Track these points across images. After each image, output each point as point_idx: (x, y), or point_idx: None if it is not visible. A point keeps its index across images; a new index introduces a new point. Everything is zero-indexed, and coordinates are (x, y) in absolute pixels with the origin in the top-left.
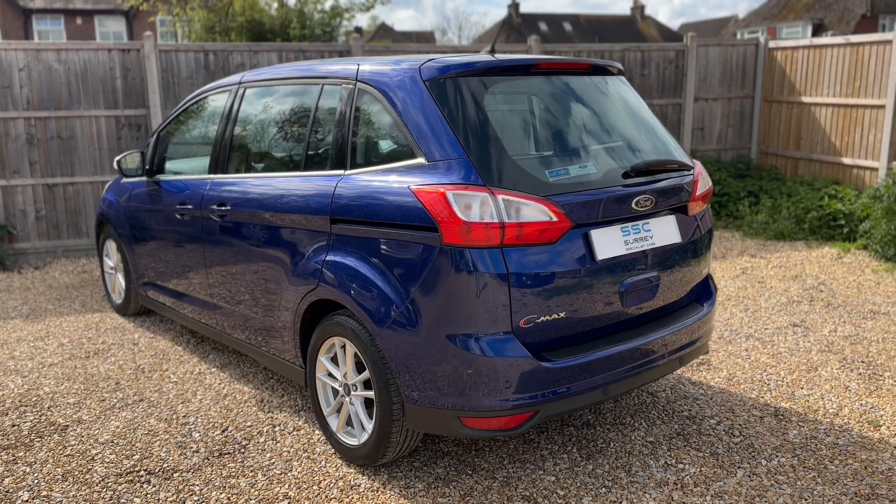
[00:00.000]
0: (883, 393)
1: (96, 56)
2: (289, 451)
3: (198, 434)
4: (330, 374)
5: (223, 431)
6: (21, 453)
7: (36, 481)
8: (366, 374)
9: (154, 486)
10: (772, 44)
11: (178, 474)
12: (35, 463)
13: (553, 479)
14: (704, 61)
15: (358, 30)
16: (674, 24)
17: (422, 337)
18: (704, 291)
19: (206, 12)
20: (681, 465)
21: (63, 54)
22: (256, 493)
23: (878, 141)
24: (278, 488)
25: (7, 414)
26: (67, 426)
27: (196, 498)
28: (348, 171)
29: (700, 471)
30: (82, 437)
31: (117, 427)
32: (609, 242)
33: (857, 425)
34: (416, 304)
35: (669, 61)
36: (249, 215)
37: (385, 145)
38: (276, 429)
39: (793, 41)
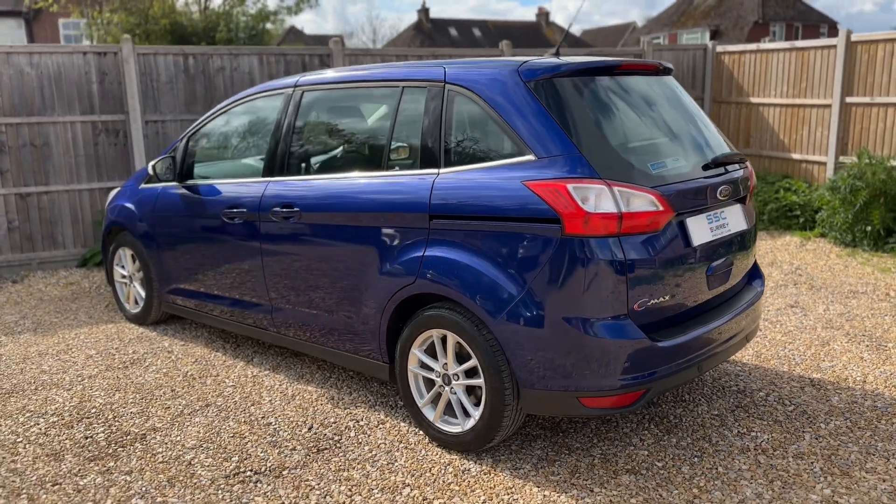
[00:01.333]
0: (894, 361)
1: (71, 59)
2: (384, 444)
3: (286, 433)
4: (423, 366)
5: (310, 429)
6: (112, 463)
7: (144, 488)
8: (470, 364)
9: (269, 485)
10: (719, 48)
11: (287, 472)
12: (132, 471)
13: (646, 453)
14: None
15: (290, 32)
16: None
17: (542, 324)
18: (755, 274)
19: (126, 15)
20: (753, 433)
21: (35, 58)
22: (374, 482)
23: (824, 138)
24: (393, 477)
25: (73, 426)
26: (144, 434)
27: (318, 492)
28: (443, 170)
29: (772, 436)
30: (166, 443)
31: (198, 432)
32: (700, 229)
33: (885, 390)
34: (536, 292)
35: None
36: (324, 216)
37: (483, 144)
38: (361, 424)
39: (740, 46)
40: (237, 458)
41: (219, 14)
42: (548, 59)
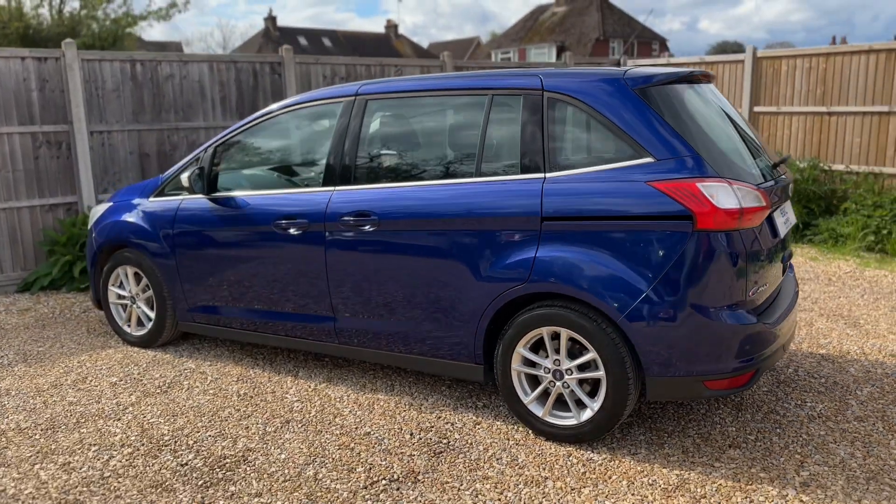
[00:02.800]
0: (874, 334)
1: (7, 65)
2: (495, 442)
3: (391, 441)
4: (527, 363)
5: (411, 435)
6: (232, 487)
7: None
8: (587, 358)
9: (413, 491)
10: (630, 62)
11: (421, 476)
12: (261, 493)
13: (734, 429)
14: None
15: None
16: (420, 43)
17: (673, 314)
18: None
19: None
20: (808, 404)
21: None
22: (513, 478)
23: None
24: (527, 472)
25: (157, 455)
26: (243, 456)
27: (467, 492)
28: (550, 174)
29: (825, 405)
30: (274, 462)
31: (300, 448)
32: (780, 223)
33: (886, 359)
34: (666, 285)
35: None
36: (410, 223)
37: (592, 149)
38: (458, 426)
39: (650, 60)
40: (361, 468)
41: (75, 18)
42: (642, 69)
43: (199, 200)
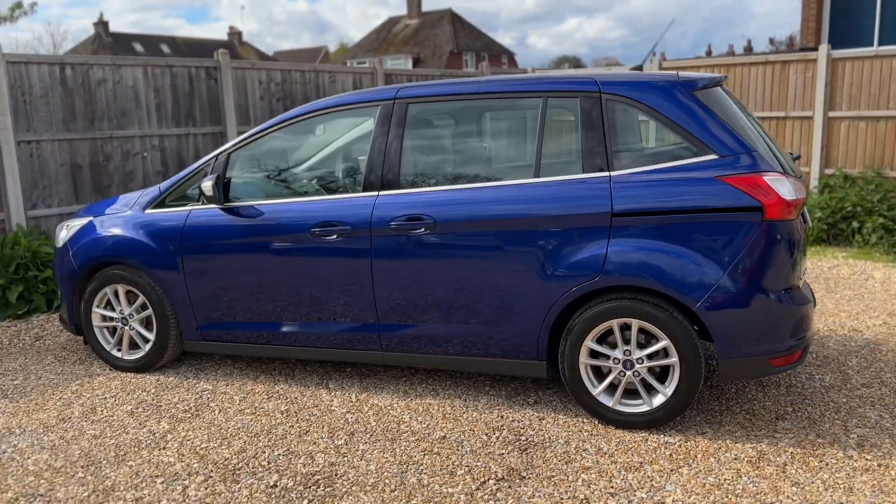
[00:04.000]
0: (876, 315)
1: None
2: (572, 434)
3: (472, 443)
4: (594, 356)
5: (487, 436)
6: (344, 503)
7: None
8: (658, 346)
9: (527, 487)
10: (539, 73)
11: (525, 472)
12: None
13: (770, 403)
14: None
15: None
16: (266, 52)
17: (746, 299)
18: None
19: None
20: (816, 377)
21: None
22: (610, 467)
23: None
24: (621, 458)
25: (238, 479)
26: (331, 471)
27: (579, 482)
28: (615, 172)
29: (830, 377)
30: (367, 473)
31: (386, 458)
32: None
33: (850, 333)
34: (738, 272)
35: None
36: (469, 225)
37: (659, 146)
38: (525, 423)
39: (554, 71)
40: (461, 471)
41: None
42: (689, 73)
43: (212, 211)
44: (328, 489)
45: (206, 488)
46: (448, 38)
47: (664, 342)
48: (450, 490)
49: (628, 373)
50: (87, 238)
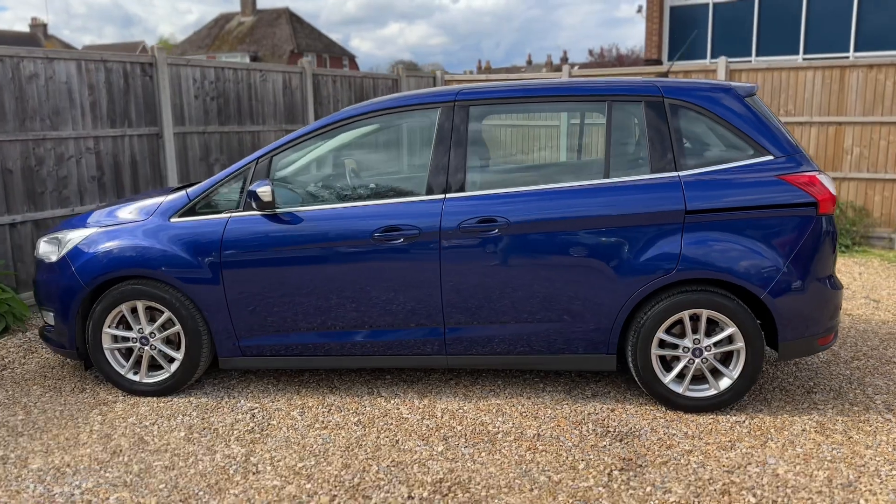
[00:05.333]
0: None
1: None
2: (654, 422)
3: (569, 438)
4: (663, 346)
5: (577, 430)
6: None
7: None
8: (726, 333)
9: (652, 473)
10: (447, 76)
11: (638, 460)
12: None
13: (792, 379)
14: (410, 89)
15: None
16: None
17: (803, 286)
18: None
19: None
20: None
21: None
22: (708, 447)
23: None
24: (709, 439)
25: (371, 496)
26: (454, 477)
27: (691, 465)
28: (683, 172)
29: (824, 355)
30: (493, 475)
31: (495, 458)
32: None
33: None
34: (797, 262)
35: (388, 89)
36: (544, 226)
37: (715, 148)
38: (603, 415)
39: (468, 76)
40: (581, 465)
41: None
42: (734, 82)
43: (255, 217)
44: (467, 494)
45: None
46: (287, 38)
47: (731, 329)
48: (584, 484)
49: (697, 360)
50: (97, 251)
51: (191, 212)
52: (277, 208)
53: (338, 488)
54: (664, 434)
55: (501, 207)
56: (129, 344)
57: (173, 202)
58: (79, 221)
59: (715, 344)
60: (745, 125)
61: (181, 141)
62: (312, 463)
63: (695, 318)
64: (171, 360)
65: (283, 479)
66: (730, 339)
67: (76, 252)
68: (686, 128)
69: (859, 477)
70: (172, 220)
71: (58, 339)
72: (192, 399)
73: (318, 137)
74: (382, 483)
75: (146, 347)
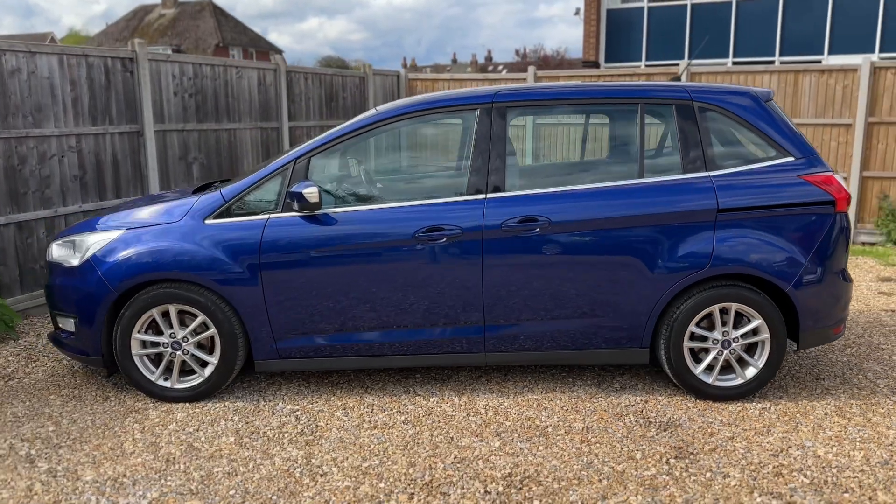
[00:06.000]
0: None
1: None
2: (689, 411)
3: (616, 430)
4: (694, 338)
5: (622, 422)
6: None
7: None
8: (752, 325)
9: (707, 460)
10: (411, 75)
11: (689, 448)
12: (605, 496)
13: (798, 367)
14: (376, 87)
15: None
16: None
17: (822, 279)
18: None
19: None
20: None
21: None
22: (748, 432)
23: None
24: (746, 426)
25: (448, 492)
26: (521, 470)
27: (738, 450)
28: (713, 173)
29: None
30: (562, 468)
31: (556, 452)
32: None
33: None
34: (817, 257)
35: (355, 87)
36: (583, 224)
37: (741, 149)
38: (639, 406)
39: (433, 74)
40: (638, 455)
41: None
42: (755, 87)
43: (295, 219)
44: (541, 487)
45: (410, 501)
46: (212, 31)
47: (757, 321)
48: (647, 472)
49: (725, 351)
50: (127, 254)
51: (226, 213)
52: (321, 210)
53: (412, 486)
54: (703, 423)
55: (542, 207)
56: (160, 349)
57: (207, 203)
58: (97, 222)
59: (742, 336)
60: (768, 127)
61: (161, 139)
62: (377, 462)
63: (724, 312)
64: (204, 364)
65: (354, 479)
66: (754, 331)
67: (102, 255)
68: (714, 130)
69: (892, 455)
70: (208, 221)
71: (78, 345)
72: (227, 404)
73: (355, 138)
74: (454, 479)
75: (178, 352)
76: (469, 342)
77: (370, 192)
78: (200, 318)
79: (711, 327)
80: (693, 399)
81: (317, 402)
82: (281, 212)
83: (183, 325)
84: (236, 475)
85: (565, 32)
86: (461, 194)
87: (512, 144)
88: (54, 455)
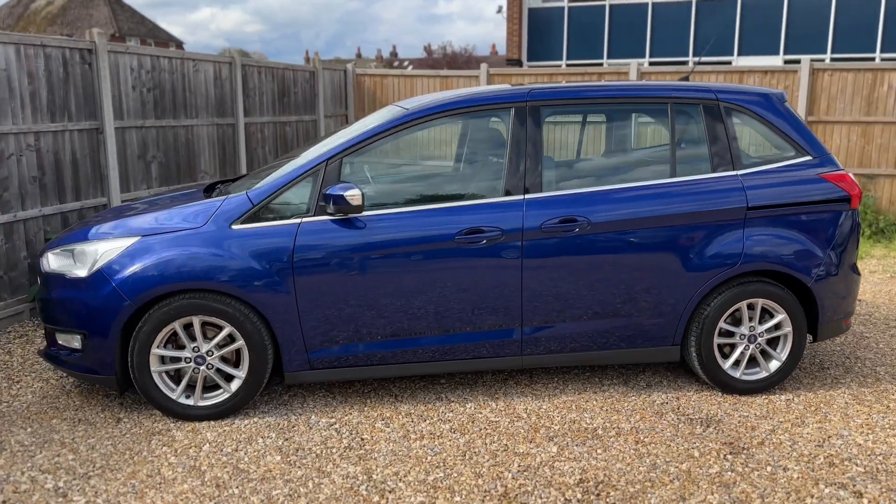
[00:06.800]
0: None
1: None
2: (723, 407)
3: (665, 429)
4: (723, 334)
5: (663, 420)
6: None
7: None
8: (776, 320)
9: (761, 453)
10: (359, 70)
11: (738, 444)
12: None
13: (820, 359)
14: (325, 82)
15: None
16: None
17: (838, 272)
18: None
19: None
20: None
21: None
22: (784, 424)
23: None
24: (778, 418)
25: (528, 500)
26: (591, 477)
27: (782, 444)
28: (740, 172)
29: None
30: (629, 470)
31: (623, 457)
32: None
33: None
34: (835, 251)
35: (306, 81)
36: (621, 224)
37: (764, 149)
38: (673, 404)
39: (381, 70)
40: (696, 453)
41: None
42: (771, 89)
43: (329, 222)
44: (617, 492)
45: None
46: (107, 21)
47: (781, 316)
48: (711, 471)
49: (751, 346)
50: (145, 262)
51: (254, 217)
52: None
53: (489, 499)
54: (739, 417)
55: (582, 207)
56: (181, 365)
57: (232, 207)
58: (108, 229)
59: (766, 330)
60: (788, 127)
61: (120, 136)
62: (442, 475)
63: (750, 308)
64: (229, 378)
65: (425, 494)
66: (777, 326)
67: (116, 265)
68: (739, 129)
69: None
70: (234, 226)
71: (86, 363)
72: (255, 420)
73: (386, 137)
74: (528, 488)
75: (202, 367)
76: (505, 345)
77: (403, 193)
78: (227, 329)
79: (737, 323)
80: (720, 393)
81: (351, 414)
82: (314, 215)
83: (206, 337)
84: (299, 497)
85: (465, 29)
86: (498, 195)
87: (546, 143)
88: (87, 487)
